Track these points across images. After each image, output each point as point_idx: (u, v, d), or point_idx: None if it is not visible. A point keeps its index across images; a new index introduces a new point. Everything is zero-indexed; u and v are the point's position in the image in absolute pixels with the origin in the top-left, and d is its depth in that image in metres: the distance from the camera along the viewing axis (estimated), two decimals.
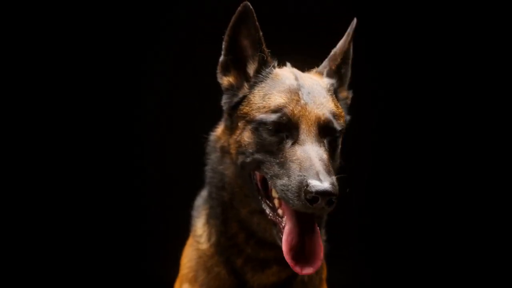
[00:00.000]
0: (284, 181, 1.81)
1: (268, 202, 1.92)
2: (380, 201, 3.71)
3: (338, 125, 1.94)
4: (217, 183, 2.12)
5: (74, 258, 3.64)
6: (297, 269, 1.82)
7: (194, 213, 2.30)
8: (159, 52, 3.63)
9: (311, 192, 1.71)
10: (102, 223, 3.66)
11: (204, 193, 2.29)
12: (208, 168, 2.18)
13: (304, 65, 2.17)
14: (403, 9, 3.51)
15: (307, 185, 1.72)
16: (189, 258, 2.21)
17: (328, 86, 2.06)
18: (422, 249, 3.73)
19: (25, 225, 3.56)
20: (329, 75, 2.12)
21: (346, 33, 2.14)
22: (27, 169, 3.54)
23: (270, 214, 1.91)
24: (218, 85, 2.21)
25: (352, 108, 2.27)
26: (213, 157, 2.15)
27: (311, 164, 1.78)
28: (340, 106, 2.04)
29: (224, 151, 2.08)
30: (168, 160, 3.73)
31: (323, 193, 1.71)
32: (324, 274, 2.30)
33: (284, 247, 1.84)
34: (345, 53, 2.12)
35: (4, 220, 3.52)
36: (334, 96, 2.05)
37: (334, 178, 1.78)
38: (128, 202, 3.69)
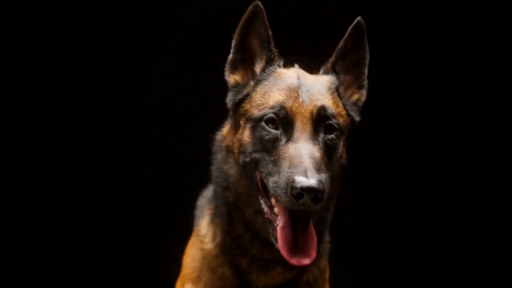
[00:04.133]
0: (275, 178, 1.82)
1: (266, 200, 1.92)
2: (381, 201, 3.71)
3: (336, 123, 1.93)
4: (222, 183, 2.11)
5: (74, 258, 3.63)
6: (293, 261, 1.83)
7: (197, 212, 2.29)
8: (159, 51, 3.62)
9: (296, 188, 1.72)
10: (103, 223, 3.65)
11: (206, 193, 2.28)
12: (214, 167, 2.17)
13: (315, 67, 2.17)
14: (406, 10, 3.51)
15: (293, 181, 1.73)
16: (192, 257, 2.20)
17: (329, 84, 2.05)
18: (423, 249, 3.72)
19: (25, 225, 3.55)
20: (325, 72, 2.12)
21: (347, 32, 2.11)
22: (27, 170, 3.53)
23: (268, 213, 1.92)
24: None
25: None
26: (218, 156, 2.14)
27: (300, 161, 1.78)
28: (340, 105, 2.03)
29: (229, 150, 2.08)
30: (168, 160, 3.72)
31: (308, 189, 1.71)
32: (327, 275, 2.29)
33: (280, 242, 1.85)
34: (339, 51, 2.09)
35: (5, 220, 3.52)
36: (335, 94, 2.04)
37: (323, 176, 1.78)
38: (129, 202, 3.68)
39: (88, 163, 3.61)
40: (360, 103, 2.15)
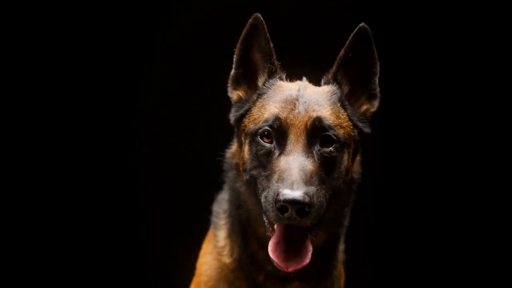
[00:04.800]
0: (265, 193, 1.78)
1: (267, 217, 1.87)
2: (385, 206, 3.69)
3: (334, 134, 1.86)
4: (234, 201, 2.08)
5: (74, 258, 3.63)
6: (283, 265, 1.79)
7: (214, 219, 2.24)
8: (159, 51, 3.62)
9: (280, 201, 1.68)
10: (103, 223, 3.65)
11: (221, 198, 2.24)
12: (226, 185, 2.14)
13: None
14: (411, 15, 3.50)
15: (278, 194, 1.69)
16: (209, 266, 2.17)
17: (329, 94, 1.98)
18: (426, 253, 3.72)
19: (25, 225, 3.55)
20: (326, 83, 2.05)
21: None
22: (28, 170, 3.52)
23: (268, 229, 1.88)
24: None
25: None
26: (230, 175, 2.11)
27: (289, 174, 1.73)
28: (342, 116, 1.95)
29: (238, 168, 2.04)
30: (168, 160, 3.72)
31: (291, 202, 1.66)
32: (342, 283, 2.28)
33: (270, 247, 1.81)
34: (340, 60, 2.01)
35: (5, 220, 3.51)
36: (337, 105, 1.97)
37: (312, 188, 1.72)
38: (129, 202, 3.68)
39: (88, 163, 3.60)
40: (369, 114, 2.05)
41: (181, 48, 3.61)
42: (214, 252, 2.18)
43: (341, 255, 2.24)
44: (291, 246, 1.81)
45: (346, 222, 2.13)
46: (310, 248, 1.81)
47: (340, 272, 2.24)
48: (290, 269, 1.79)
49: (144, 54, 3.57)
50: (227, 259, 2.13)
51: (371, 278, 3.65)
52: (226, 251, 2.14)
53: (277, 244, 1.81)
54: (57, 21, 3.42)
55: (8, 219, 3.51)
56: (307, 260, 1.80)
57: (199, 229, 2.43)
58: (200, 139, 3.55)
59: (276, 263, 1.79)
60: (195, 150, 3.55)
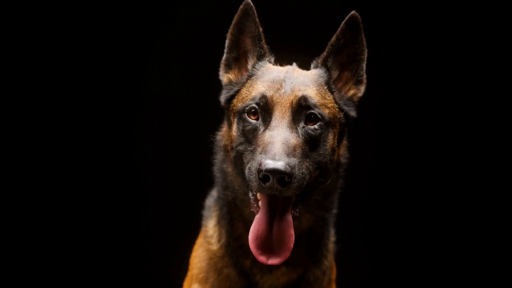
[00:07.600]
0: (249, 165, 1.84)
1: (253, 193, 1.92)
2: (383, 200, 3.70)
3: (319, 113, 1.92)
4: (222, 182, 2.12)
5: (74, 258, 3.64)
6: (262, 258, 1.83)
7: (205, 212, 2.29)
8: (159, 51, 3.63)
9: (262, 171, 1.73)
10: (103, 223, 3.66)
11: (214, 193, 2.28)
12: (215, 168, 2.18)
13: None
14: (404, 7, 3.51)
15: (260, 164, 1.75)
16: (199, 258, 2.20)
17: (316, 77, 2.04)
18: (425, 248, 3.72)
19: (25, 225, 3.55)
20: (315, 67, 2.11)
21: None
22: (28, 170, 3.53)
23: (253, 205, 1.91)
24: (219, 83, 2.23)
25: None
26: (218, 156, 2.16)
27: (272, 146, 1.80)
28: (327, 97, 2.01)
29: (226, 149, 2.09)
30: (168, 160, 3.73)
31: (272, 171, 1.72)
32: (334, 275, 2.29)
33: (251, 235, 1.84)
34: (332, 46, 2.07)
35: (5, 220, 3.52)
36: (323, 87, 2.02)
37: (293, 160, 1.78)
38: (129, 202, 3.69)
39: (88, 163, 3.61)
40: (356, 99, 2.11)
41: (181, 48, 3.62)
42: (204, 244, 2.21)
43: (331, 246, 2.25)
44: (273, 230, 1.84)
45: (335, 209, 2.16)
46: (292, 239, 1.85)
47: (331, 263, 2.25)
48: (270, 263, 1.82)
49: (144, 54, 3.59)
50: (215, 246, 2.16)
51: (362, 267, 3.65)
52: (214, 239, 2.17)
53: (258, 227, 1.84)
54: (58, 21, 3.44)
55: (8, 218, 3.52)
56: (288, 252, 1.83)
57: (199, 229, 2.44)
58: (200, 139, 3.54)
59: (255, 256, 1.83)
60: (195, 150, 3.55)
